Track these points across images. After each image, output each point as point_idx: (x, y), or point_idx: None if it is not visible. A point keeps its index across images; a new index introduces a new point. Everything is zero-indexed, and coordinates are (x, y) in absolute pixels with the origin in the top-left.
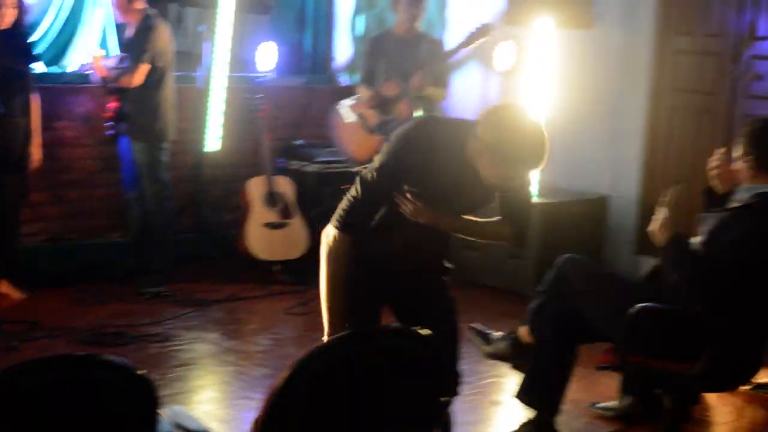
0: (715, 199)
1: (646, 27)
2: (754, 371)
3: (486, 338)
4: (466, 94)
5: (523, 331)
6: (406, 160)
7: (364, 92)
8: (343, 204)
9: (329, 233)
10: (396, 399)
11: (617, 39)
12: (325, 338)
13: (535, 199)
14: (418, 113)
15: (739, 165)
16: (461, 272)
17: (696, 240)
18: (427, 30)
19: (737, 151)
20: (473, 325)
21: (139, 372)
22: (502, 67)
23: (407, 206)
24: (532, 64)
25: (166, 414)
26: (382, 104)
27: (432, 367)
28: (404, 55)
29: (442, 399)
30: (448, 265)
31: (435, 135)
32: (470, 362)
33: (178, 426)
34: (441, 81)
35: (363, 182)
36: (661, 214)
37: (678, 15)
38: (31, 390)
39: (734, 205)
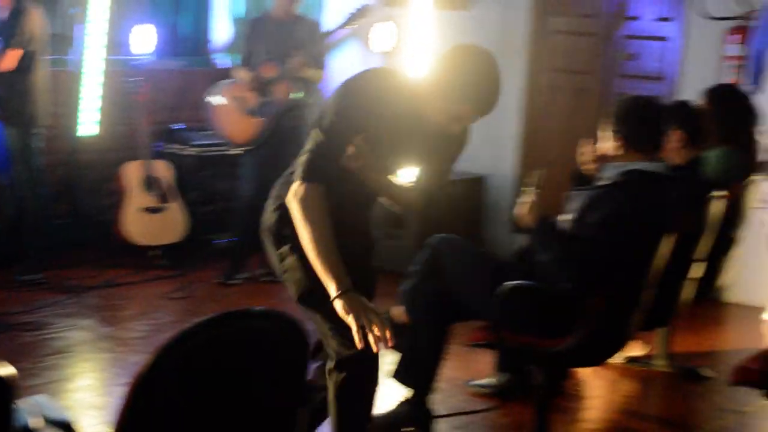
0: (584, 180)
1: (522, 7)
2: (622, 345)
3: None
4: (344, 76)
5: (397, 312)
6: (357, 116)
7: (242, 74)
8: (302, 159)
9: (298, 191)
10: (263, 382)
11: (494, 19)
12: (333, 293)
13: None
14: (297, 95)
15: (608, 143)
16: None
17: (565, 218)
18: (305, 11)
19: (605, 130)
20: None
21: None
22: (381, 48)
23: (353, 158)
24: (411, 45)
25: (28, 404)
26: (260, 86)
27: (299, 349)
28: (282, 37)
29: (310, 382)
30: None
31: (382, 85)
32: None
33: (40, 416)
34: (319, 63)
35: (316, 140)
36: (527, 197)
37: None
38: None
39: (603, 182)
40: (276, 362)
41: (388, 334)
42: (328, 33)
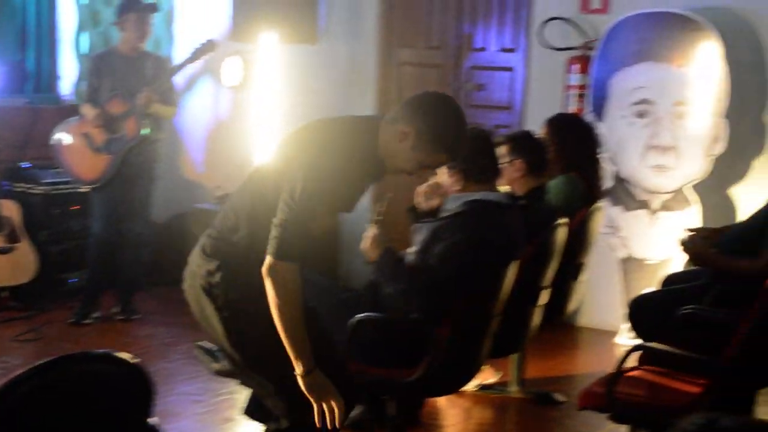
0: (421, 214)
1: (369, 41)
2: (473, 373)
3: (213, 356)
4: (198, 111)
5: None
6: (329, 187)
7: (89, 111)
8: (275, 234)
9: (273, 269)
10: (103, 427)
11: (342, 53)
12: (300, 371)
13: None
14: (145, 131)
15: (446, 176)
16: None
17: (411, 250)
18: (155, 46)
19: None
20: (199, 343)
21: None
22: (231, 83)
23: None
24: (261, 79)
25: None
26: (108, 122)
27: (141, 394)
28: (130, 73)
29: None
30: None
31: (349, 146)
32: (205, 381)
33: None
34: (169, 98)
35: (290, 208)
36: (370, 231)
37: (400, 28)
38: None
39: (445, 214)
40: (117, 407)
41: (338, 417)
42: (176, 68)
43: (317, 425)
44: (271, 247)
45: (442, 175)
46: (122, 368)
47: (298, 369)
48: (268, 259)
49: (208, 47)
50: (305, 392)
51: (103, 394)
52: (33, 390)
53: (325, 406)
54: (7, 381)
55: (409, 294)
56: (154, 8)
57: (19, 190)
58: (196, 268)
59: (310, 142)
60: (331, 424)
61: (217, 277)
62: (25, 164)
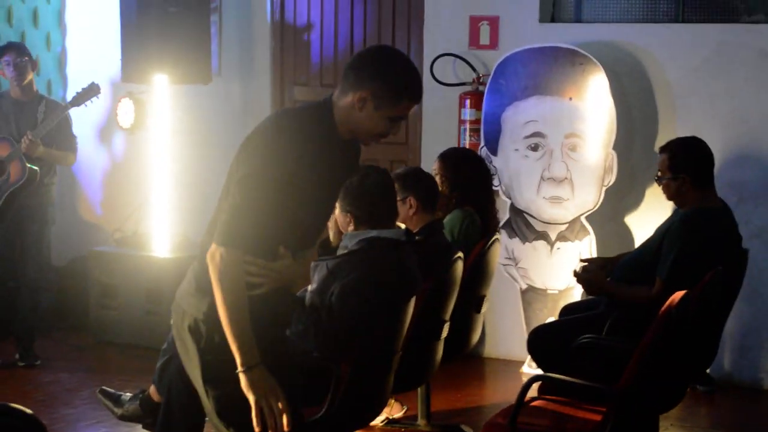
0: (332, 249)
1: (263, 79)
2: (379, 409)
3: (116, 401)
4: (94, 153)
5: (153, 390)
6: (276, 174)
7: None
8: (222, 220)
9: (217, 255)
10: None
11: (236, 92)
12: (240, 366)
13: (165, 254)
14: (33, 171)
15: (341, 216)
16: (95, 332)
17: (310, 288)
18: (46, 88)
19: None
20: (103, 388)
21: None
22: (126, 124)
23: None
24: (155, 120)
25: None
26: None
27: None
28: (19, 117)
29: None
30: None
31: (299, 125)
32: (109, 426)
33: None
34: (64, 144)
35: (234, 194)
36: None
37: (294, 66)
38: None
39: (342, 252)
40: None
41: (285, 422)
42: (61, 111)
43: (256, 429)
44: (217, 233)
45: (339, 213)
46: (20, 421)
47: (239, 364)
48: (212, 245)
49: (91, 91)
50: (245, 390)
51: None
52: None
53: (265, 407)
54: None
55: (308, 334)
56: (4, 51)
57: None
58: (187, 306)
59: (253, 139)
60: (272, 428)
61: (205, 317)
62: None
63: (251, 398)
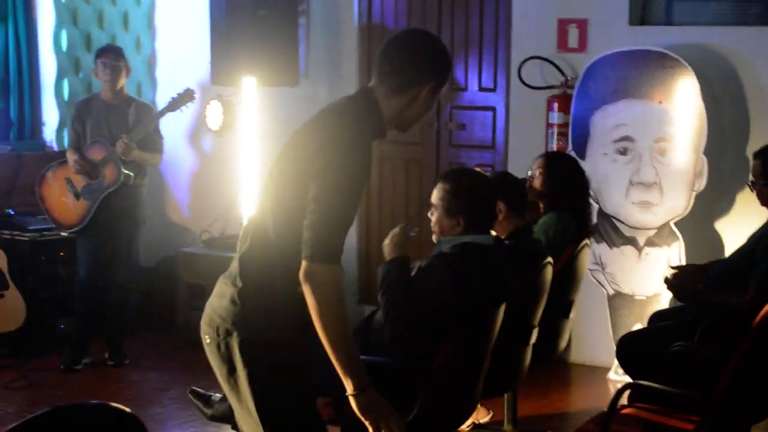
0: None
1: (349, 81)
2: (468, 413)
3: (207, 401)
4: (183, 155)
5: None
6: (359, 182)
7: (70, 157)
8: (311, 235)
9: (316, 273)
10: None
11: (322, 94)
12: (352, 389)
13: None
14: (126, 175)
15: (445, 219)
16: (184, 332)
17: None
18: (136, 91)
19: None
20: (193, 388)
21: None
22: (215, 126)
23: None
24: (243, 122)
25: None
26: (88, 168)
27: None
28: (112, 119)
29: None
30: None
31: (365, 130)
32: (198, 426)
33: None
34: (153, 146)
35: (318, 207)
36: (398, 229)
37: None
38: None
39: (434, 254)
40: None
41: None
42: (157, 116)
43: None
44: (305, 250)
45: (440, 215)
46: (118, 419)
47: (350, 387)
48: (304, 264)
49: (186, 96)
50: (360, 414)
51: None
52: None
53: (384, 428)
54: None
55: (396, 309)
56: (101, 53)
57: (5, 237)
58: (221, 321)
59: (326, 140)
60: None
61: (259, 337)
62: (10, 211)
63: (367, 421)
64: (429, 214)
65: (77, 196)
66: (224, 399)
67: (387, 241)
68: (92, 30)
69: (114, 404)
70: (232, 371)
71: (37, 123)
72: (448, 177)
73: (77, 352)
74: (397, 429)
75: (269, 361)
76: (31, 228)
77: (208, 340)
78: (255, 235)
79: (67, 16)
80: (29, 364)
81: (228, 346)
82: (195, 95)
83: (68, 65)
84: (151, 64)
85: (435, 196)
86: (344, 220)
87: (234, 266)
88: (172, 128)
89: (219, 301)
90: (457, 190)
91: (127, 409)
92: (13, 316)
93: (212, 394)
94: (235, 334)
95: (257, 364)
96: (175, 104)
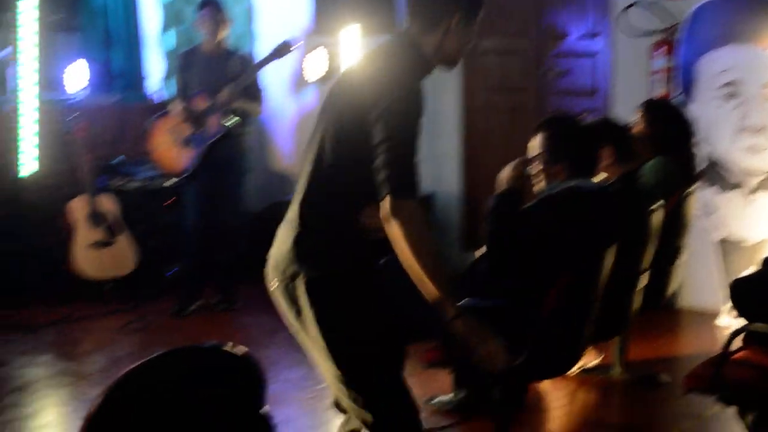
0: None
1: None
2: (577, 357)
3: None
4: (283, 105)
5: None
6: (418, 117)
7: (176, 106)
8: (386, 173)
9: (398, 207)
10: (216, 417)
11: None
12: (449, 315)
13: None
14: (231, 122)
15: (548, 166)
16: None
17: None
18: (237, 43)
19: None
20: None
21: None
22: (316, 76)
23: None
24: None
25: None
26: (193, 118)
27: (252, 384)
28: (213, 70)
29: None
30: None
31: (414, 67)
32: (308, 368)
33: None
34: (253, 95)
35: (388, 144)
36: (514, 162)
37: (483, 15)
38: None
39: (540, 197)
40: (230, 399)
41: (499, 358)
42: (257, 66)
43: (478, 370)
44: (384, 188)
45: (538, 168)
46: (233, 361)
47: (449, 312)
48: (387, 201)
49: (283, 48)
50: (461, 338)
51: (215, 386)
52: (146, 384)
53: (484, 348)
54: (121, 375)
55: (491, 248)
56: (202, 6)
57: (115, 185)
58: (286, 264)
59: (366, 89)
60: (492, 368)
61: (323, 275)
62: (119, 160)
63: (471, 343)
64: (529, 169)
65: (183, 144)
66: None
67: (502, 174)
68: None
69: (227, 346)
70: (299, 312)
71: (140, 75)
72: (546, 124)
73: (189, 296)
74: (498, 351)
75: (335, 298)
76: (138, 176)
77: (276, 284)
78: (311, 180)
79: None
80: (142, 307)
81: (295, 288)
82: (291, 47)
83: (171, 17)
84: (249, 17)
85: (536, 145)
86: (414, 156)
87: (293, 211)
88: (276, 77)
89: (283, 246)
90: (555, 134)
91: (242, 350)
92: (124, 261)
93: None
94: (301, 275)
95: (324, 303)
96: (274, 56)
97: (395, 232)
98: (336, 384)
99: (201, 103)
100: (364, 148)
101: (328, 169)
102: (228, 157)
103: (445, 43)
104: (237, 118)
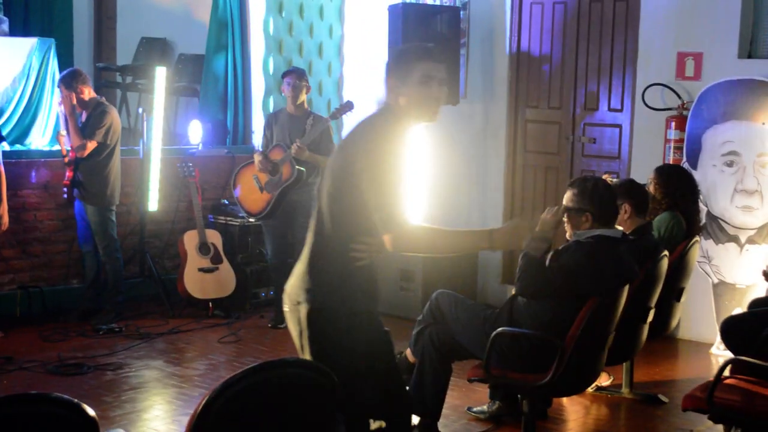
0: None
1: (501, 101)
2: (594, 378)
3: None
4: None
5: (408, 353)
6: (401, 172)
7: (257, 157)
8: (379, 214)
9: (401, 235)
10: (298, 422)
11: (479, 111)
12: (486, 244)
13: None
14: (300, 171)
15: (574, 215)
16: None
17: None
18: (327, 106)
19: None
20: None
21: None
22: None
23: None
24: (412, 132)
25: None
26: (269, 167)
27: (329, 393)
28: (291, 128)
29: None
30: None
31: (396, 131)
32: None
33: None
34: (324, 149)
35: (376, 190)
36: (556, 208)
37: (526, 91)
38: None
39: (570, 241)
40: (309, 405)
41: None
42: (324, 122)
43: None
44: (383, 227)
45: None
46: (314, 371)
47: (487, 245)
48: (389, 236)
49: (346, 107)
50: (503, 248)
51: (298, 393)
52: (243, 389)
53: (524, 240)
54: (222, 381)
55: (538, 313)
56: (286, 74)
57: (221, 222)
58: (302, 299)
59: (354, 151)
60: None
61: (319, 306)
62: (225, 201)
63: (520, 244)
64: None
65: (261, 189)
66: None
67: (544, 215)
68: (293, 57)
69: (310, 362)
70: (300, 333)
71: (247, 131)
72: (575, 182)
73: (280, 314)
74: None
75: (329, 328)
76: (240, 215)
77: (287, 308)
78: (317, 228)
79: (274, 46)
80: (237, 323)
81: (299, 312)
82: (353, 106)
83: (273, 85)
84: (339, 85)
85: (566, 199)
86: (400, 194)
87: (305, 252)
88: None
89: (295, 279)
90: (582, 190)
91: (321, 366)
92: (225, 284)
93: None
94: (303, 304)
95: (318, 330)
96: (336, 113)
97: (407, 250)
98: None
99: (277, 154)
100: (351, 202)
101: (327, 219)
102: (299, 202)
103: (412, 101)
104: (303, 169)
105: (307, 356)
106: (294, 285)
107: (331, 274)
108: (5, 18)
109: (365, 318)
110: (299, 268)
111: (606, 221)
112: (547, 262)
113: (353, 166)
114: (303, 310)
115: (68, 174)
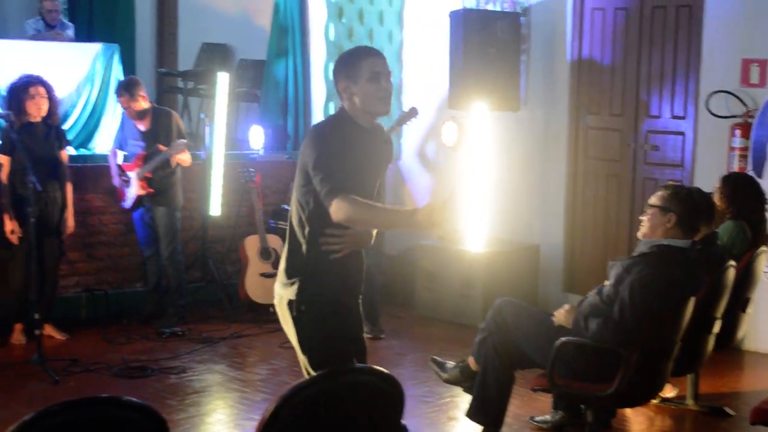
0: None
1: (562, 108)
2: (659, 389)
3: (442, 367)
4: (423, 164)
5: (471, 361)
6: (334, 152)
7: None
8: (319, 190)
9: (338, 206)
10: (367, 427)
11: (539, 118)
12: (412, 220)
13: (478, 249)
14: None
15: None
16: (420, 309)
17: (607, 283)
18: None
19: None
20: (433, 356)
21: (154, 409)
22: (449, 142)
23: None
24: (473, 140)
25: None
26: None
27: (395, 400)
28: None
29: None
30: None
31: (335, 125)
32: (431, 385)
33: None
34: None
35: (320, 178)
36: (564, 308)
37: (588, 98)
38: (65, 427)
39: (635, 254)
40: (375, 413)
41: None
42: (389, 131)
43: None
44: (324, 201)
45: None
46: (380, 378)
47: (412, 218)
48: (330, 208)
49: (410, 113)
50: (428, 225)
51: (365, 399)
52: (313, 394)
53: (444, 223)
54: (292, 387)
55: (606, 324)
56: None
57: (281, 227)
58: (283, 293)
59: (303, 151)
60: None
61: (297, 298)
62: (286, 206)
63: (435, 223)
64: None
65: None
66: (456, 366)
67: (560, 317)
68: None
69: (377, 367)
70: (286, 320)
71: None
72: (668, 185)
73: None
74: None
75: (306, 314)
76: None
77: (276, 300)
78: (290, 226)
79: (335, 52)
80: None
81: (282, 302)
82: (417, 113)
83: (334, 92)
84: (399, 91)
85: (653, 198)
86: (333, 172)
87: (284, 248)
88: (414, 143)
89: (279, 273)
90: (676, 192)
91: (388, 371)
92: None
93: (447, 361)
94: (284, 298)
95: (299, 317)
96: (401, 120)
97: (345, 220)
98: (304, 370)
99: None
100: (316, 196)
101: (294, 216)
102: None
103: (356, 100)
104: None
105: (294, 340)
106: (278, 279)
107: (305, 267)
108: (71, 24)
109: (342, 309)
110: (280, 264)
111: (687, 230)
112: (610, 282)
113: (308, 160)
114: (284, 302)
115: (141, 184)
